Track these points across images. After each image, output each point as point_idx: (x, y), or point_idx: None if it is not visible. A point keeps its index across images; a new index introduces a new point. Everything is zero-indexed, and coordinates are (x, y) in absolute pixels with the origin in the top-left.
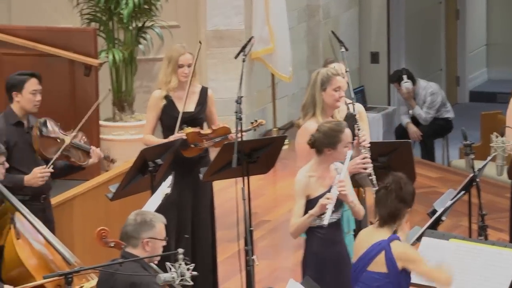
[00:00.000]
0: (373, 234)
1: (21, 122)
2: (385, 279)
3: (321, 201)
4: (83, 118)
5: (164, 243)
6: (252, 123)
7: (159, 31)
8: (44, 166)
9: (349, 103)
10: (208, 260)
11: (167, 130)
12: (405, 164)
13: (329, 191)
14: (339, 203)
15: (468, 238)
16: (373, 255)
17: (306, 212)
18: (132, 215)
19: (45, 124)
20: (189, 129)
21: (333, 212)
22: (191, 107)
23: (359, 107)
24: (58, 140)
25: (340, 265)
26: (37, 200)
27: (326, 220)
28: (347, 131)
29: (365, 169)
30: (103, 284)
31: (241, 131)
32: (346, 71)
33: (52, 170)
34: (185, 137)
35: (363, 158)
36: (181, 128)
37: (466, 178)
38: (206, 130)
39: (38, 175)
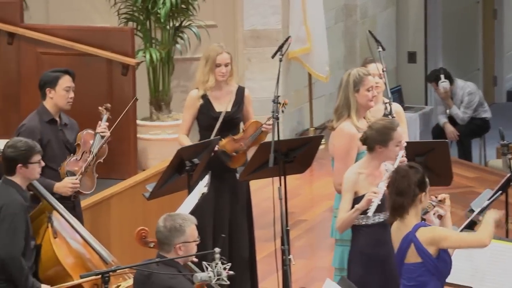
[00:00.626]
0: (399, 229)
1: (54, 120)
2: (422, 268)
3: (368, 195)
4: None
5: (197, 242)
6: (278, 104)
7: (196, 30)
8: (76, 177)
9: (386, 103)
10: (245, 260)
11: (204, 130)
12: (442, 164)
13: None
14: (385, 204)
15: (505, 238)
16: (404, 248)
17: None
18: (161, 220)
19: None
20: (223, 141)
21: (381, 212)
22: (227, 107)
23: (397, 107)
24: (87, 169)
25: (387, 265)
26: (67, 199)
27: (371, 211)
28: (400, 129)
29: (403, 161)
30: (139, 286)
31: (272, 117)
32: (383, 71)
33: (79, 182)
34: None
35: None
36: (219, 136)
37: (503, 178)
38: (238, 134)
39: (69, 185)
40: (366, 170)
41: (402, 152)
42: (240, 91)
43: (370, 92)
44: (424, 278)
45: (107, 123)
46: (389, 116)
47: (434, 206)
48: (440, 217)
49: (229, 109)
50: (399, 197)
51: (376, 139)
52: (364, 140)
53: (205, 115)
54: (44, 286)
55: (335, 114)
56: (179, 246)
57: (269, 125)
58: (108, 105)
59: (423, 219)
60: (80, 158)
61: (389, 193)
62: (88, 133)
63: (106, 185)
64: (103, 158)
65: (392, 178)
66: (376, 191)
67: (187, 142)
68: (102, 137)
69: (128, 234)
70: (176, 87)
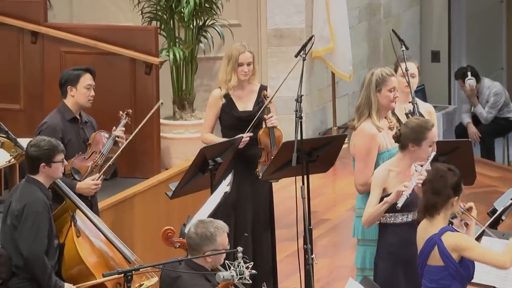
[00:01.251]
0: (426, 228)
1: (75, 118)
2: (444, 272)
3: (398, 188)
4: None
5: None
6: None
7: (219, 29)
8: (98, 177)
9: (410, 102)
10: (268, 259)
11: (226, 129)
12: (465, 163)
13: None
14: (415, 203)
15: None
16: (428, 250)
17: None
18: (193, 227)
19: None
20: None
21: (409, 211)
22: (249, 106)
23: (429, 107)
24: (94, 169)
25: (413, 267)
26: (84, 197)
27: (400, 203)
28: (434, 130)
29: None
30: (165, 280)
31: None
32: (406, 70)
33: (100, 183)
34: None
35: None
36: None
37: None
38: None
39: (93, 187)
40: (396, 168)
41: (434, 154)
42: (263, 90)
43: (392, 93)
44: (446, 281)
45: (123, 128)
46: (413, 115)
47: (462, 213)
48: (466, 225)
49: (250, 108)
50: (434, 196)
51: (410, 137)
52: (397, 138)
53: (228, 114)
54: (67, 285)
55: (357, 113)
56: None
57: (270, 117)
58: (130, 110)
59: (450, 223)
60: (89, 158)
61: (424, 191)
62: (100, 135)
63: (129, 184)
64: (114, 161)
65: (430, 176)
66: (406, 185)
67: (212, 137)
68: (114, 141)
69: (151, 233)
70: (199, 86)
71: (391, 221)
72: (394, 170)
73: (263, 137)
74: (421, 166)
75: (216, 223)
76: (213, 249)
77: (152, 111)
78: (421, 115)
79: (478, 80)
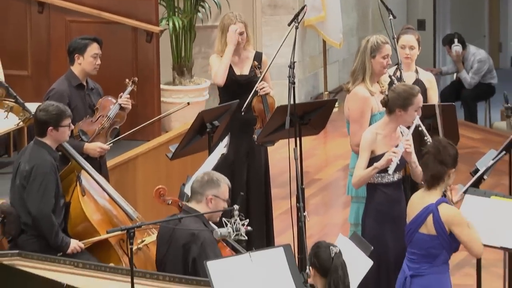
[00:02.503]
0: (423, 198)
1: (82, 85)
2: (435, 241)
3: (387, 155)
4: (144, 81)
5: (226, 204)
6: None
7: (216, 0)
8: (107, 144)
9: (397, 68)
10: (262, 216)
11: (224, 92)
12: (450, 126)
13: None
14: (402, 164)
15: (509, 196)
16: (423, 218)
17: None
18: (200, 174)
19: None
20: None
21: (395, 172)
22: (245, 71)
23: (429, 75)
24: (101, 131)
25: (400, 223)
26: (93, 159)
27: (391, 170)
28: (420, 96)
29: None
30: (164, 235)
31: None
32: (393, 38)
33: (109, 148)
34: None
35: None
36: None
37: (507, 139)
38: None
39: (98, 149)
40: (383, 131)
41: (418, 117)
42: (258, 56)
43: (385, 59)
44: (435, 250)
45: (128, 96)
46: (399, 81)
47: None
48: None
49: (246, 73)
50: (441, 166)
51: (397, 103)
52: (385, 103)
53: (226, 79)
54: (73, 241)
55: (351, 76)
56: (210, 198)
57: (262, 87)
58: (135, 78)
59: (444, 195)
60: (96, 121)
61: (429, 162)
62: (108, 100)
63: (131, 146)
64: (119, 124)
65: (434, 148)
66: (395, 151)
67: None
68: (121, 106)
69: (152, 192)
70: (197, 53)
71: (379, 181)
72: (381, 133)
73: (257, 105)
74: (408, 128)
75: (220, 174)
76: (216, 195)
77: (178, 108)
78: (422, 82)
79: (464, 46)
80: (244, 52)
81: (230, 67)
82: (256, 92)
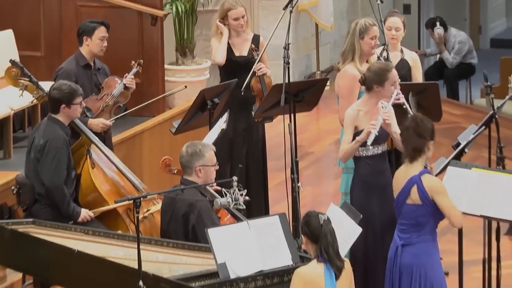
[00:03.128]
0: (406, 171)
1: (89, 65)
2: (421, 210)
3: (367, 128)
4: (150, 62)
5: (216, 167)
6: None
7: None
8: (110, 121)
9: (384, 49)
10: (260, 187)
11: (225, 72)
12: (433, 103)
13: None
14: (384, 137)
15: (488, 168)
16: (408, 189)
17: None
18: (184, 147)
19: (89, 152)
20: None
21: (379, 144)
22: (244, 52)
23: (413, 55)
24: (105, 108)
25: (385, 193)
26: (98, 133)
27: (370, 141)
28: (394, 71)
29: (398, 99)
30: (166, 207)
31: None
32: (380, 21)
33: (111, 124)
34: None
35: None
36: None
37: (486, 115)
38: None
39: (101, 125)
40: (364, 107)
41: (396, 91)
42: (256, 38)
43: (373, 40)
44: (423, 219)
45: (133, 76)
46: (381, 59)
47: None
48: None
49: (245, 54)
50: (420, 139)
51: (374, 80)
52: (363, 81)
53: (226, 59)
54: (83, 210)
55: (342, 57)
56: (199, 168)
57: (259, 68)
58: (141, 61)
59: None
60: (100, 99)
61: (409, 136)
62: (113, 79)
63: (138, 122)
64: (123, 103)
65: (412, 123)
66: (374, 124)
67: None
68: (125, 86)
69: (157, 165)
70: (199, 35)
71: (364, 154)
72: (362, 109)
73: (255, 84)
74: (387, 102)
75: (203, 143)
76: (202, 165)
77: (175, 91)
78: (406, 62)
79: (445, 29)
80: (243, 35)
81: (230, 48)
82: (254, 72)
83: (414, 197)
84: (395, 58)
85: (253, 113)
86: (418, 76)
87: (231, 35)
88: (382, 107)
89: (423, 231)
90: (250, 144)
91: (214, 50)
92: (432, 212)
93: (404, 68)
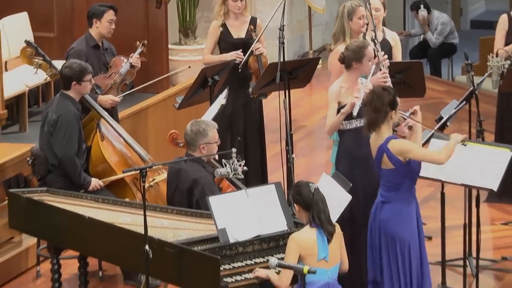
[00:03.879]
0: (375, 140)
1: (98, 45)
2: (396, 173)
3: (350, 100)
4: (154, 42)
5: (218, 143)
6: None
7: None
8: (118, 97)
9: (372, 30)
10: (257, 158)
11: (224, 52)
12: (417, 80)
13: None
14: None
15: (469, 140)
16: (380, 157)
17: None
18: (188, 125)
19: (99, 125)
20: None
21: (361, 117)
22: (242, 34)
23: (394, 35)
24: (113, 86)
25: (368, 163)
26: (106, 109)
27: (355, 111)
28: (370, 48)
29: (385, 82)
30: (171, 179)
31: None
32: (368, 4)
33: (120, 100)
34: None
35: (383, 73)
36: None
37: (467, 91)
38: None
39: (110, 101)
40: (346, 84)
41: (373, 66)
42: (253, 21)
43: (361, 20)
44: (398, 180)
45: (138, 56)
46: (375, 41)
47: (405, 119)
48: (410, 128)
49: (243, 36)
50: (374, 114)
51: (352, 57)
52: (342, 60)
53: (225, 41)
54: (93, 179)
55: (333, 38)
56: (202, 146)
57: (257, 48)
58: (145, 41)
59: (394, 131)
60: (109, 77)
61: (366, 110)
62: (120, 59)
63: (144, 98)
64: (129, 81)
65: (369, 98)
66: (357, 96)
67: (212, 58)
68: (131, 65)
69: (162, 137)
70: (200, 17)
71: (347, 127)
72: (344, 86)
73: (252, 63)
74: (367, 77)
75: (206, 121)
76: (206, 142)
77: (176, 72)
78: (388, 41)
79: (429, 11)
80: (241, 18)
81: (229, 31)
82: (252, 52)
83: (386, 163)
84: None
85: (250, 89)
86: (398, 55)
87: (230, 17)
88: (361, 83)
89: (400, 191)
90: (248, 118)
91: (206, 51)
92: (406, 173)
93: (385, 48)
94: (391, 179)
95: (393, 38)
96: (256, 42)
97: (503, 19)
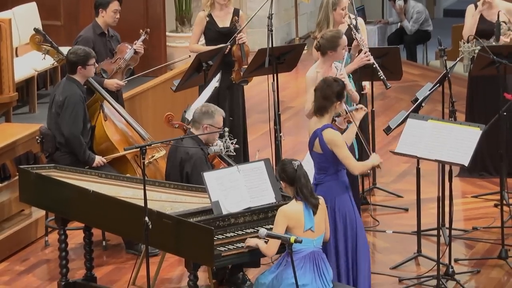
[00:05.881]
0: (315, 123)
1: (104, 33)
2: (322, 158)
3: None
4: (153, 30)
5: (219, 131)
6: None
7: None
8: (123, 81)
9: (353, 18)
10: (240, 138)
11: (209, 41)
12: (395, 64)
13: None
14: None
15: (442, 119)
16: (313, 140)
17: None
18: (199, 106)
19: (102, 106)
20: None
21: None
22: (226, 23)
23: (360, 21)
24: (118, 70)
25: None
26: (111, 92)
27: None
28: (344, 37)
29: (368, 60)
30: (170, 154)
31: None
32: None
33: (124, 84)
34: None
35: (365, 53)
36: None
37: (440, 74)
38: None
39: (115, 84)
40: (321, 69)
41: (347, 53)
42: (236, 12)
43: (343, 11)
44: (325, 164)
45: (141, 43)
46: (356, 28)
47: (347, 113)
48: (349, 122)
49: (227, 25)
50: (323, 100)
51: (328, 46)
52: (318, 48)
53: (211, 30)
54: (97, 157)
55: (317, 27)
56: (205, 126)
57: (240, 37)
58: (148, 29)
59: (334, 120)
60: (114, 62)
61: (316, 96)
62: (124, 45)
63: (143, 81)
64: (133, 65)
65: (320, 85)
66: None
67: (198, 47)
68: (135, 51)
69: (160, 117)
70: (196, 7)
71: None
72: (320, 71)
73: (236, 51)
74: (340, 62)
75: (216, 107)
76: (210, 124)
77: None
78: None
79: (405, 1)
80: (226, 9)
81: (214, 20)
82: (235, 40)
83: (317, 147)
84: (344, 25)
85: (233, 75)
86: (364, 35)
87: (215, 8)
88: (336, 67)
89: (327, 174)
90: (232, 101)
91: (195, 38)
92: (331, 160)
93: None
94: (318, 162)
95: (360, 23)
96: (239, 32)
97: (471, 9)
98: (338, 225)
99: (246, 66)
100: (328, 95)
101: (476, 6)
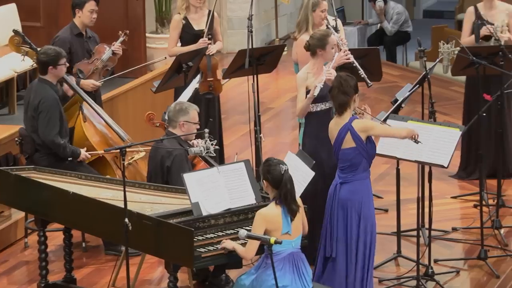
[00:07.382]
0: (337, 123)
1: (81, 33)
2: (356, 151)
3: (314, 85)
4: (133, 31)
5: (197, 126)
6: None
7: None
8: (99, 82)
9: (333, 19)
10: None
11: (186, 43)
12: (375, 65)
13: None
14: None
15: (422, 120)
16: (343, 136)
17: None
18: (173, 104)
19: (82, 108)
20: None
21: (326, 101)
22: (202, 25)
23: (339, 22)
24: (95, 71)
25: (330, 142)
26: (89, 93)
27: (316, 92)
28: (333, 36)
29: (348, 59)
30: (152, 154)
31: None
32: None
33: (100, 85)
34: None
35: (344, 51)
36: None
37: (420, 75)
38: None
39: (91, 85)
40: (312, 70)
41: (337, 54)
42: (209, 13)
43: (323, 13)
44: (357, 160)
45: (120, 44)
46: (336, 29)
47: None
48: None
49: (203, 28)
50: (344, 96)
51: (317, 45)
52: (308, 47)
53: (187, 33)
54: (82, 151)
55: (297, 27)
56: (182, 123)
57: (208, 50)
58: (127, 31)
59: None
60: (91, 63)
61: (335, 94)
62: (102, 46)
63: (123, 82)
64: (111, 67)
65: (337, 82)
66: (319, 80)
67: (178, 49)
68: (113, 52)
69: (140, 119)
70: (175, 8)
71: (313, 110)
72: (310, 72)
73: (202, 62)
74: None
75: (189, 103)
76: (186, 120)
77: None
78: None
79: (385, 2)
80: (200, 11)
81: (190, 23)
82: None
83: (348, 141)
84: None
85: (221, 74)
86: (342, 35)
87: (190, 11)
88: (324, 65)
89: (357, 171)
90: (207, 104)
91: (173, 42)
92: (364, 153)
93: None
94: (350, 159)
95: (338, 24)
96: (210, 36)
97: (470, 13)
98: (360, 233)
99: (211, 79)
100: (347, 90)
101: (476, 9)
